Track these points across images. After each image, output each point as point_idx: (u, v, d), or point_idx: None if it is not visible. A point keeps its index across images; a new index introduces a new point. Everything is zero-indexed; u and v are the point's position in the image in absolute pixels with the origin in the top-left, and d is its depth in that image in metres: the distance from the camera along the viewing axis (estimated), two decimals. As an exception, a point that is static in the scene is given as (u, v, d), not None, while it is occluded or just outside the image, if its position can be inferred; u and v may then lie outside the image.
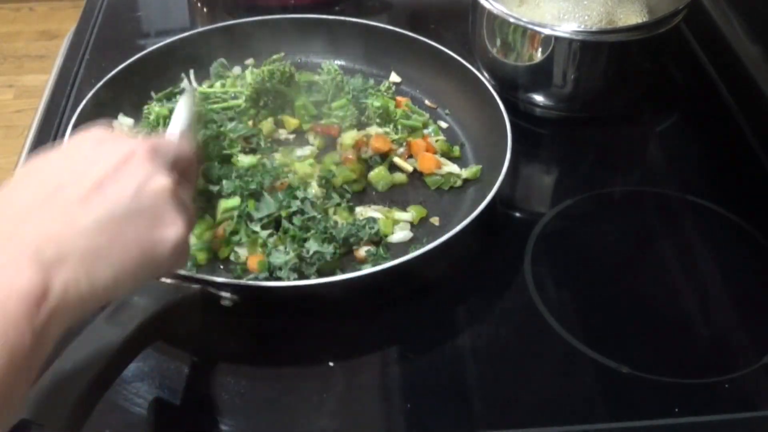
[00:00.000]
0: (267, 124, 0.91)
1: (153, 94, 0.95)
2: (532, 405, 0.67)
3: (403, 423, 0.66)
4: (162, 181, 0.51)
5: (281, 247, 0.75)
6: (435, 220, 0.83)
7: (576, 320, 0.74)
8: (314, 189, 0.83)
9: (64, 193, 0.47)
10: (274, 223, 0.79)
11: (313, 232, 0.76)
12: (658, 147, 0.99)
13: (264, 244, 0.76)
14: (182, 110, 0.71)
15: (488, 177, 0.83)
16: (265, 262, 0.75)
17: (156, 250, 0.49)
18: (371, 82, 0.97)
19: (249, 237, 0.77)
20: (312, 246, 0.75)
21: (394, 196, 0.86)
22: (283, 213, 0.78)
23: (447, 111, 0.97)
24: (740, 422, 0.67)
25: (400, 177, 0.88)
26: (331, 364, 0.70)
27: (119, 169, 0.50)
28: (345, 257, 0.78)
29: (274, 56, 0.98)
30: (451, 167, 0.88)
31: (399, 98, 0.97)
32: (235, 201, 0.79)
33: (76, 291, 0.45)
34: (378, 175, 0.86)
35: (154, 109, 0.90)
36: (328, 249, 0.75)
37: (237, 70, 1.00)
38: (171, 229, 0.50)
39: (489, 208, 0.76)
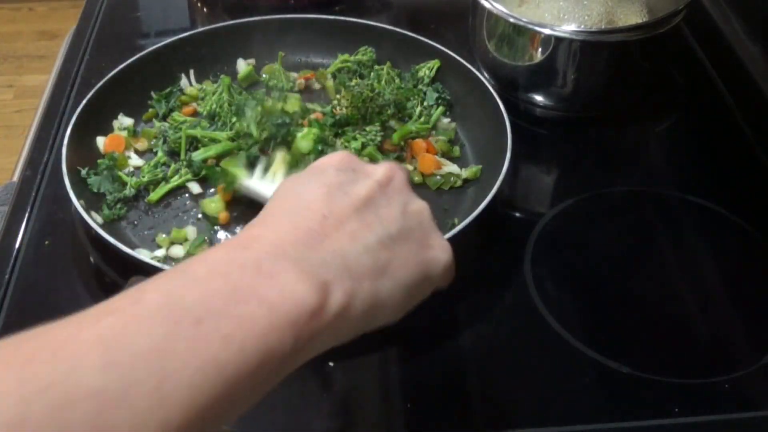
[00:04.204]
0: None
1: (153, 94, 0.95)
2: (532, 405, 0.67)
3: (403, 423, 0.66)
4: (420, 204, 0.52)
5: None
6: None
7: (576, 320, 0.74)
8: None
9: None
10: None
11: None
12: (658, 147, 0.99)
13: None
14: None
15: (488, 177, 0.83)
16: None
17: (430, 269, 0.50)
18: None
19: None
20: None
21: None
22: None
23: (447, 111, 0.97)
24: (740, 422, 0.67)
25: None
26: (331, 364, 0.70)
27: (383, 190, 0.50)
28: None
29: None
30: (451, 167, 0.88)
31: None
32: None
33: (355, 308, 0.44)
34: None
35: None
36: None
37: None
38: (439, 250, 0.50)
39: (489, 208, 0.76)
